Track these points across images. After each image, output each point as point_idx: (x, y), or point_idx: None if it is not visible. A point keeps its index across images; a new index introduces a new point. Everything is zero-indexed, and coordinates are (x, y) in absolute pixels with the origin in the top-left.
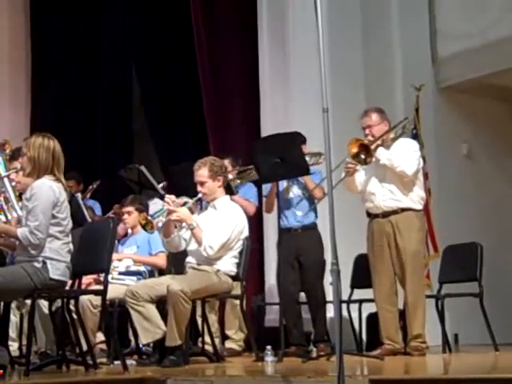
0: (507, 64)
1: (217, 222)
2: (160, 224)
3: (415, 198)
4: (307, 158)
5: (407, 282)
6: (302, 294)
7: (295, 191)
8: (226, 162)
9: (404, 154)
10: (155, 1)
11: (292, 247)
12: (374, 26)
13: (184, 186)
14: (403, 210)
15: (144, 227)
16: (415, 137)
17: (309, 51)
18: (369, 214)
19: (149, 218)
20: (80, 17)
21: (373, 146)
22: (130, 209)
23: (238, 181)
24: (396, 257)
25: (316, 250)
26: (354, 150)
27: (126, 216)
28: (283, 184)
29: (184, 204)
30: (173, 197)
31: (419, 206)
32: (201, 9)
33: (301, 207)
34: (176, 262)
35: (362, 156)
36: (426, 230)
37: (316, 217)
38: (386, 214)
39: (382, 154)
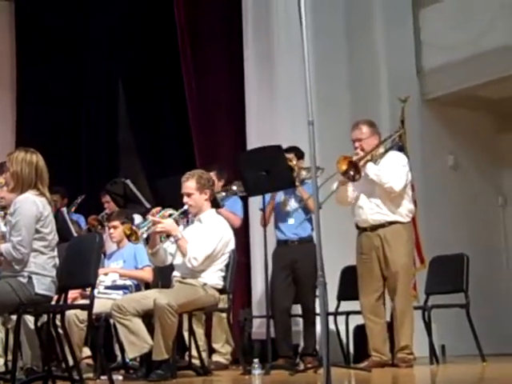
0: (492, 76)
1: (202, 235)
2: (145, 235)
3: (403, 212)
4: (304, 173)
5: (395, 293)
6: (293, 306)
7: (292, 204)
8: (212, 174)
9: (392, 170)
10: (141, 16)
11: (287, 259)
12: (358, 38)
13: (170, 200)
14: (390, 223)
15: (128, 237)
16: (401, 149)
17: (294, 63)
18: (357, 227)
19: (133, 228)
20: (66, 32)
21: (361, 162)
22: (116, 223)
23: (224, 193)
24: (385, 269)
25: (311, 262)
26: (344, 167)
27: (112, 231)
28: (280, 197)
29: (169, 216)
30: (158, 208)
31: (407, 219)
32: (186, 23)
33: (298, 220)
34: (162, 276)
35: (351, 173)
36: (413, 241)
37: (312, 229)
38: (374, 228)
39: (370, 170)
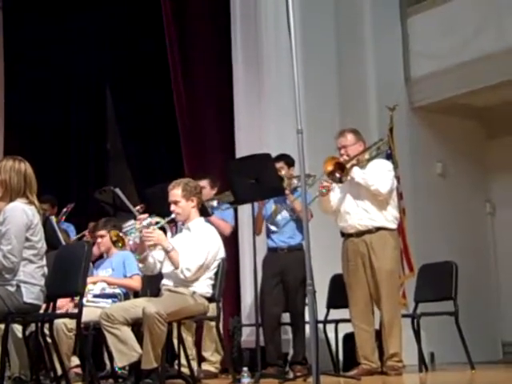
0: (480, 84)
1: (192, 244)
2: (131, 242)
3: (389, 218)
4: (295, 181)
5: (383, 301)
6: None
7: (283, 213)
8: (205, 182)
9: (378, 174)
10: (128, 22)
11: (277, 267)
12: (347, 46)
13: (159, 208)
14: (378, 229)
15: (114, 244)
16: (389, 157)
17: (283, 72)
18: (343, 234)
19: (120, 234)
20: (54, 38)
21: (348, 165)
22: (103, 232)
23: (215, 201)
24: (371, 276)
25: (300, 270)
26: (330, 168)
27: (99, 240)
28: (271, 206)
29: (156, 223)
30: (146, 215)
31: (393, 226)
32: (174, 30)
33: (288, 229)
34: (151, 285)
35: (337, 174)
36: (400, 249)
37: (302, 238)
38: (361, 234)
39: (356, 173)
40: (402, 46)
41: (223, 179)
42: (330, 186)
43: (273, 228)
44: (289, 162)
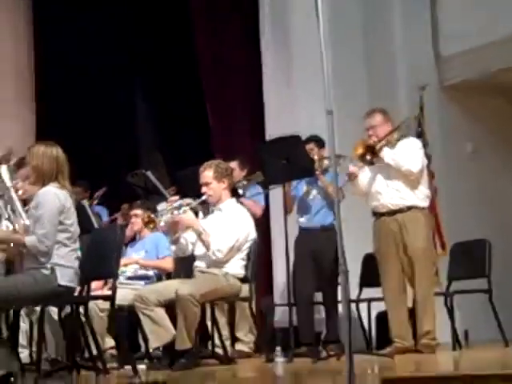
0: (510, 62)
1: (224, 225)
2: (162, 223)
3: (421, 196)
4: (326, 162)
5: (417, 279)
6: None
7: (314, 193)
8: (234, 164)
9: (408, 153)
10: (157, 9)
11: (309, 247)
12: (376, 26)
13: (191, 190)
14: (409, 208)
15: (146, 225)
16: (420, 135)
17: (312, 53)
18: (374, 214)
19: (152, 216)
20: (85, 27)
21: (378, 147)
22: (139, 212)
23: (245, 182)
24: (404, 255)
25: (332, 250)
26: (360, 151)
27: (133, 219)
28: (303, 187)
29: (187, 205)
30: (176, 197)
31: (425, 204)
32: (203, 16)
33: (320, 209)
34: (184, 266)
35: (368, 157)
36: (433, 227)
37: (334, 218)
38: (392, 213)
39: (386, 154)
40: (431, 25)
41: (253, 162)
42: (357, 172)
43: (304, 208)
44: (319, 143)
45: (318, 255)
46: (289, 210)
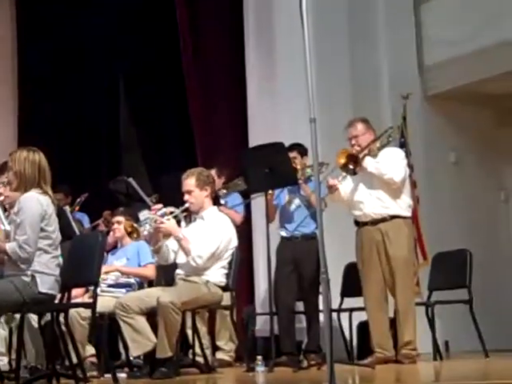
0: (494, 71)
1: (205, 233)
2: (146, 232)
3: (403, 206)
4: (309, 170)
5: (397, 289)
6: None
7: (296, 202)
8: (212, 172)
9: (391, 162)
10: (141, 12)
11: (291, 256)
12: (360, 34)
13: (173, 196)
14: (392, 217)
15: (129, 234)
16: (403, 145)
17: (295, 60)
18: (357, 223)
19: (135, 225)
20: (67, 30)
21: (360, 156)
22: (121, 219)
23: (224, 191)
24: (386, 264)
25: (314, 259)
26: (342, 160)
27: (116, 225)
28: (285, 195)
29: (171, 213)
30: (160, 205)
31: (407, 213)
32: (187, 19)
33: (302, 217)
34: (166, 274)
35: (351, 166)
36: (414, 237)
37: (316, 227)
38: (375, 222)
39: (369, 164)
40: (416, 33)
41: (234, 168)
42: (337, 185)
43: (286, 217)
44: (301, 151)
45: (300, 264)
46: (271, 219)
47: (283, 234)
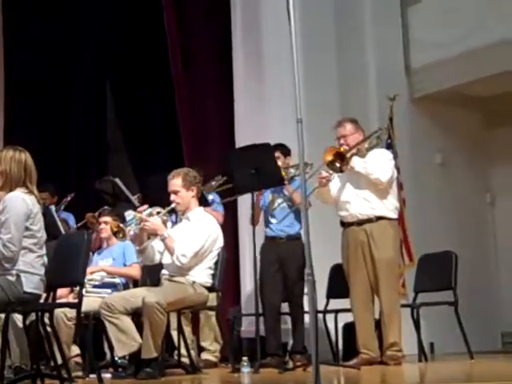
0: (480, 73)
1: (190, 232)
2: (132, 232)
3: (390, 207)
4: (292, 170)
5: (381, 290)
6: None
7: (280, 202)
8: None
9: (378, 163)
10: (129, 16)
11: (275, 256)
12: (347, 36)
13: (159, 198)
14: (378, 218)
15: (115, 234)
16: (389, 147)
17: (283, 61)
18: (343, 223)
19: (121, 225)
20: (54, 32)
21: (348, 155)
22: (108, 219)
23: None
24: (370, 265)
25: (299, 259)
26: (329, 158)
27: (102, 226)
28: (268, 196)
29: (157, 213)
30: (145, 206)
31: (394, 215)
32: (175, 22)
33: (286, 218)
34: (151, 274)
35: (337, 164)
36: (400, 239)
37: (301, 228)
38: (361, 223)
39: (356, 163)
40: (403, 35)
41: (220, 168)
42: (330, 176)
43: (270, 217)
44: (284, 151)
45: (285, 264)
46: (256, 222)
47: (267, 234)
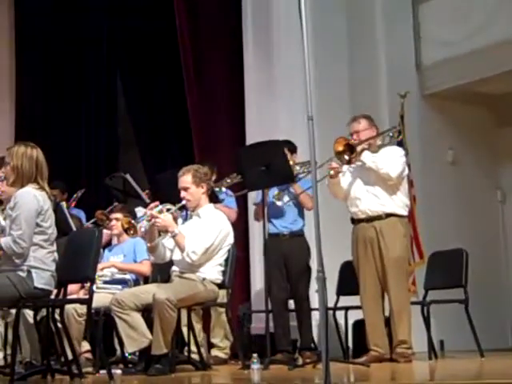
0: (491, 71)
1: (201, 229)
2: (143, 229)
3: (400, 204)
4: (298, 168)
5: (390, 288)
6: (291, 301)
7: (285, 199)
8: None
9: (389, 159)
10: (140, 9)
11: (279, 253)
12: (358, 33)
13: (169, 194)
14: (388, 215)
15: (126, 231)
16: (400, 144)
17: (294, 58)
18: (353, 220)
19: (132, 222)
20: (65, 25)
21: (359, 148)
22: (119, 215)
23: (217, 189)
24: (379, 262)
25: (302, 256)
26: (340, 148)
27: (114, 222)
28: (273, 192)
29: (167, 210)
30: (156, 203)
31: (404, 212)
32: (186, 18)
33: (289, 214)
34: (161, 271)
35: (346, 156)
36: (410, 236)
37: (304, 224)
38: (370, 219)
39: (366, 157)
40: (414, 32)
41: (230, 165)
42: (340, 168)
43: (274, 212)
44: (291, 148)
45: (288, 261)
46: (260, 218)
47: (271, 230)
